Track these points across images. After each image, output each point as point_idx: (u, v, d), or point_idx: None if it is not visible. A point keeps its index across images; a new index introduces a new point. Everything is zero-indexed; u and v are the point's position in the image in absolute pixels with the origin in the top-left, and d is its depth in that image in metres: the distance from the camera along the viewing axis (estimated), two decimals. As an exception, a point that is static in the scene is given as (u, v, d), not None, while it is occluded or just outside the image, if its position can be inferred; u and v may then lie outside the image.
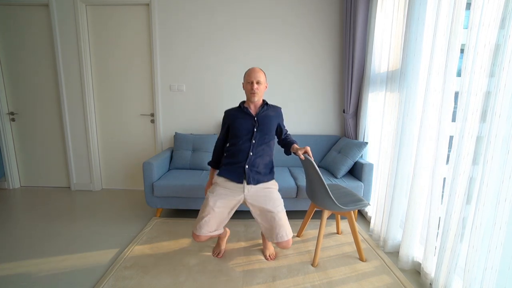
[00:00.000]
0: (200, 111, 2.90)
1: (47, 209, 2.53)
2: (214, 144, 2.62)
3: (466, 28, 1.24)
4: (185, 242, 1.95)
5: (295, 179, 2.32)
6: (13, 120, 3.02)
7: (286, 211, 1.57)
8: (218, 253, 1.80)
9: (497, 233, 1.06)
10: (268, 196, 1.61)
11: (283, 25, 2.74)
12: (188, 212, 2.46)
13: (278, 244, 1.54)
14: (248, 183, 1.60)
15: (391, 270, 1.65)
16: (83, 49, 2.78)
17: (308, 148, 1.55)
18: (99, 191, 3.06)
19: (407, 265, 1.68)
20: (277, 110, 1.76)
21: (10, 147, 3.03)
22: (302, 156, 1.54)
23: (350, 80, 2.49)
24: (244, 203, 1.64)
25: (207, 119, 2.91)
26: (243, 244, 1.94)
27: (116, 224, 2.24)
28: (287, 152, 1.73)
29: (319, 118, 2.90)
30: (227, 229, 1.94)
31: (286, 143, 1.73)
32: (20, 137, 3.06)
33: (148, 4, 2.73)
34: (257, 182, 1.62)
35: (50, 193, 2.95)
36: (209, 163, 1.85)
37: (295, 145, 1.64)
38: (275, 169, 1.78)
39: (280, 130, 1.79)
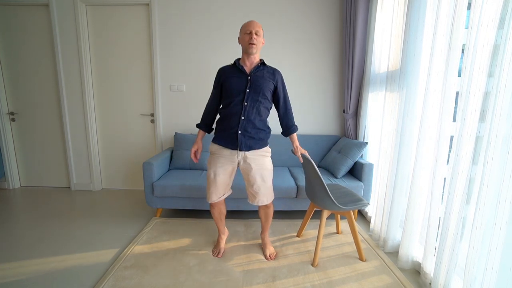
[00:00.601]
0: (200, 111, 2.84)
1: (47, 209, 2.53)
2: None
3: (466, 28, 1.24)
4: (185, 242, 1.95)
5: (295, 179, 2.32)
6: (13, 120, 3.02)
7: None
8: (218, 253, 1.80)
9: (497, 233, 1.06)
10: (259, 165, 1.62)
11: (283, 24, 2.74)
12: (188, 212, 2.46)
13: (260, 208, 1.75)
14: (240, 150, 1.59)
15: (391, 270, 1.65)
16: (83, 49, 2.78)
17: (306, 152, 1.61)
18: (99, 191, 3.06)
19: (407, 264, 1.68)
20: (275, 71, 1.65)
21: (10, 147, 3.03)
22: (301, 159, 1.57)
23: (350, 80, 2.49)
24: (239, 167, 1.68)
25: (207, 119, 2.90)
26: (243, 244, 1.94)
27: (116, 224, 2.24)
28: (285, 134, 1.75)
29: (319, 118, 2.90)
30: (226, 230, 1.94)
31: (286, 126, 1.72)
32: (20, 137, 3.06)
33: (148, 4, 2.73)
34: (249, 148, 1.59)
35: (50, 193, 2.95)
36: (197, 125, 1.73)
37: (296, 143, 1.70)
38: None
39: (277, 96, 1.66)
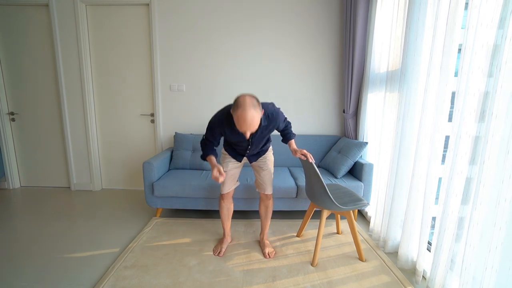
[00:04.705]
0: (200, 111, 2.90)
1: (47, 209, 2.53)
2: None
3: (463, 28, 1.25)
4: (185, 242, 1.95)
5: (295, 179, 2.32)
6: (13, 120, 3.02)
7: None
8: (219, 252, 1.80)
9: (497, 233, 1.06)
10: (265, 158, 1.81)
11: (283, 24, 2.74)
12: (188, 212, 2.47)
13: (263, 195, 1.85)
14: (249, 162, 1.82)
15: (390, 270, 1.65)
16: (83, 49, 2.78)
17: (306, 151, 1.63)
18: (99, 191, 3.06)
19: (406, 264, 1.68)
20: (271, 121, 1.56)
21: (10, 147, 3.03)
22: (303, 156, 1.59)
23: (350, 80, 2.49)
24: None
25: (207, 119, 2.85)
26: (243, 244, 1.94)
27: (116, 224, 2.24)
28: (284, 141, 1.83)
29: (319, 118, 2.90)
30: (230, 235, 1.96)
31: (285, 135, 1.79)
32: (20, 137, 3.06)
33: (148, 4, 2.73)
34: (256, 160, 1.80)
35: (50, 193, 2.95)
36: (204, 158, 1.65)
37: (293, 146, 1.74)
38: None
39: (278, 128, 1.72)
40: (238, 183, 1.88)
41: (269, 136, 1.77)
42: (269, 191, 1.82)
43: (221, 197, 1.83)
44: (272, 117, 1.55)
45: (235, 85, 2.84)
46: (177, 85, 2.85)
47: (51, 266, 1.67)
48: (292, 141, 1.78)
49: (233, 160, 1.77)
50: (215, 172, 1.53)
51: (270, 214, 1.87)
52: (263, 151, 1.80)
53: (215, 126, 1.56)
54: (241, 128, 1.36)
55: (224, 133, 1.59)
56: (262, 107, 1.44)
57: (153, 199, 2.27)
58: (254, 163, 1.81)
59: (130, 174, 3.08)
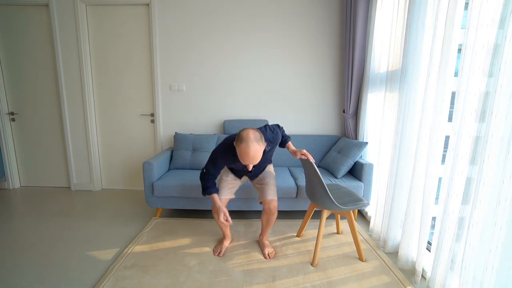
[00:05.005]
0: (200, 111, 2.90)
1: (47, 209, 2.53)
2: (214, 145, 2.65)
3: (463, 28, 1.25)
4: (185, 242, 1.95)
5: (295, 179, 2.32)
6: (13, 120, 3.02)
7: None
8: (219, 252, 1.80)
9: (498, 233, 1.06)
10: (265, 172, 1.84)
11: (283, 24, 2.74)
12: (188, 212, 2.46)
13: (269, 203, 1.73)
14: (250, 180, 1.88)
15: (390, 270, 1.65)
16: (83, 49, 2.78)
17: (305, 151, 1.62)
18: (99, 191, 3.06)
19: (406, 264, 1.68)
20: (274, 143, 1.65)
21: (10, 147, 3.03)
22: (303, 156, 1.58)
23: (350, 80, 2.49)
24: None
25: (207, 119, 2.91)
26: (243, 244, 1.94)
27: (116, 224, 2.24)
28: (281, 146, 1.82)
29: (319, 118, 2.90)
30: (230, 235, 1.95)
31: (281, 142, 1.79)
32: (20, 137, 3.06)
33: (148, 4, 2.73)
34: (257, 177, 1.84)
35: (50, 193, 2.95)
36: (207, 193, 1.63)
37: (292, 147, 1.74)
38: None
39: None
40: (233, 197, 1.84)
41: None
42: (272, 196, 1.74)
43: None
44: (274, 140, 1.64)
45: (236, 85, 2.84)
46: (177, 85, 2.85)
47: (51, 266, 1.67)
48: (290, 143, 1.78)
49: (234, 175, 1.84)
50: (222, 217, 1.58)
51: (271, 225, 1.81)
52: (263, 167, 1.84)
53: (218, 158, 1.60)
54: (244, 162, 1.42)
55: (227, 164, 1.69)
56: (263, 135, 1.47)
57: (153, 199, 2.27)
58: (254, 179, 1.86)
59: (130, 174, 3.08)
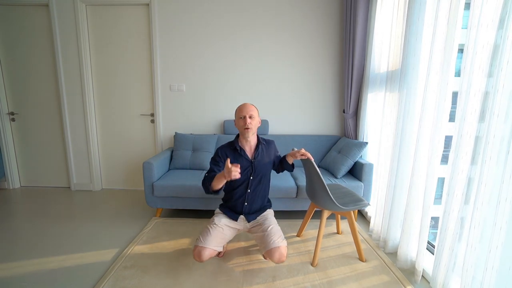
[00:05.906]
0: (200, 111, 2.90)
1: (47, 209, 2.53)
2: (214, 145, 2.65)
3: (465, 28, 1.24)
4: (185, 242, 1.95)
5: (295, 179, 2.32)
6: (13, 120, 3.02)
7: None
8: (219, 253, 1.79)
9: (498, 233, 1.06)
10: (265, 215, 1.69)
11: (283, 24, 2.74)
12: (188, 212, 2.46)
13: (272, 254, 1.45)
14: (247, 221, 1.67)
15: (390, 270, 1.65)
16: (83, 49, 2.78)
17: (304, 150, 1.59)
18: (99, 191, 3.06)
19: (406, 264, 1.68)
20: (269, 145, 1.72)
21: (10, 147, 3.03)
22: (303, 157, 1.55)
23: (350, 80, 2.49)
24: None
25: (207, 119, 2.91)
26: (243, 244, 1.94)
27: (116, 224, 2.24)
28: (282, 169, 1.76)
29: (319, 118, 2.90)
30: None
31: (278, 163, 1.75)
32: (20, 137, 3.06)
33: (148, 4, 2.73)
34: (254, 218, 1.67)
35: (50, 193, 2.95)
36: (207, 190, 1.55)
37: (289, 154, 1.65)
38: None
39: (274, 161, 1.74)
40: (222, 250, 1.64)
41: (268, 198, 1.78)
42: (279, 241, 1.47)
43: (195, 250, 1.48)
44: (269, 141, 1.74)
45: (236, 84, 2.84)
46: (177, 85, 2.85)
47: (51, 266, 1.67)
48: (286, 155, 1.70)
49: (228, 219, 1.65)
50: (235, 172, 1.34)
51: None
52: (263, 208, 1.71)
53: (218, 151, 1.64)
54: (241, 113, 1.54)
55: (228, 158, 1.42)
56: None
57: (153, 199, 2.27)
58: (253, 225, 1.65)
59: (130, 174, 3.08)
